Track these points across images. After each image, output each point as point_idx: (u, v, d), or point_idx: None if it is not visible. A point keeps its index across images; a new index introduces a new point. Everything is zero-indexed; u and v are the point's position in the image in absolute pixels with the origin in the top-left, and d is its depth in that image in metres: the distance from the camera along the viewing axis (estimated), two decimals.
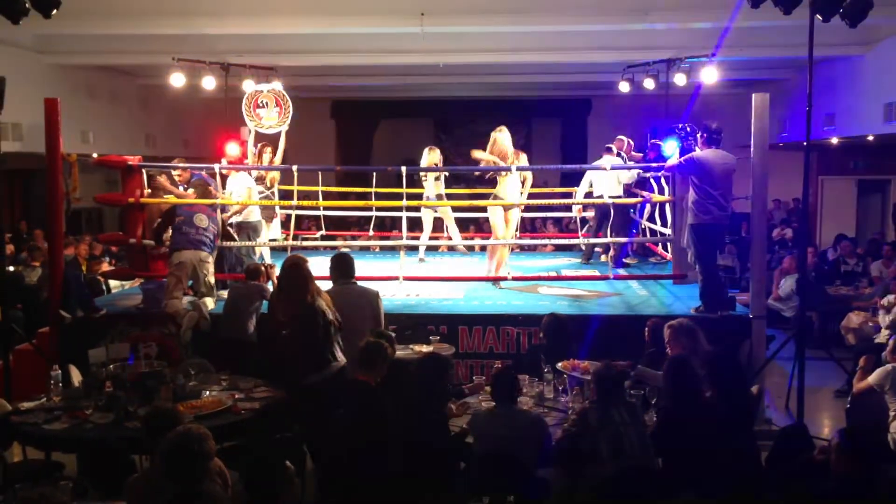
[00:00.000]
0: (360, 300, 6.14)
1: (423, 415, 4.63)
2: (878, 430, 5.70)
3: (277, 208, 9.36)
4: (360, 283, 6.34)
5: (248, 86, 11.00)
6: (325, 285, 6.08)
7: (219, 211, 7.83)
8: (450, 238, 10.52)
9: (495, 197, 8.56)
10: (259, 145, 9.40)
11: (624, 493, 4.13)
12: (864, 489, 3.70)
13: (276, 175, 9.34)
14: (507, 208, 8.57)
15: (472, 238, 12.04)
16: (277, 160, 9.35)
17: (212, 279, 7.44)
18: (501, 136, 8.55)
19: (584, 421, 4.43)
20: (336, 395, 5.06)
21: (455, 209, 10.40)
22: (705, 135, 7.23)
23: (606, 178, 9.67)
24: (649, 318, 6.69)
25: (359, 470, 4.51)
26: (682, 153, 7.69)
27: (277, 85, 10.07)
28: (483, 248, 11.94)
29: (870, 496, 3.70)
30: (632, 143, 10.90)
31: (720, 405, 4.56)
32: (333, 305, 5.80)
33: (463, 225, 12.88)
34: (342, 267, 6.19)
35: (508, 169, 8.37)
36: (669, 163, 7.72)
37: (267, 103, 9.49)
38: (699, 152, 7.24)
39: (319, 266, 9.46)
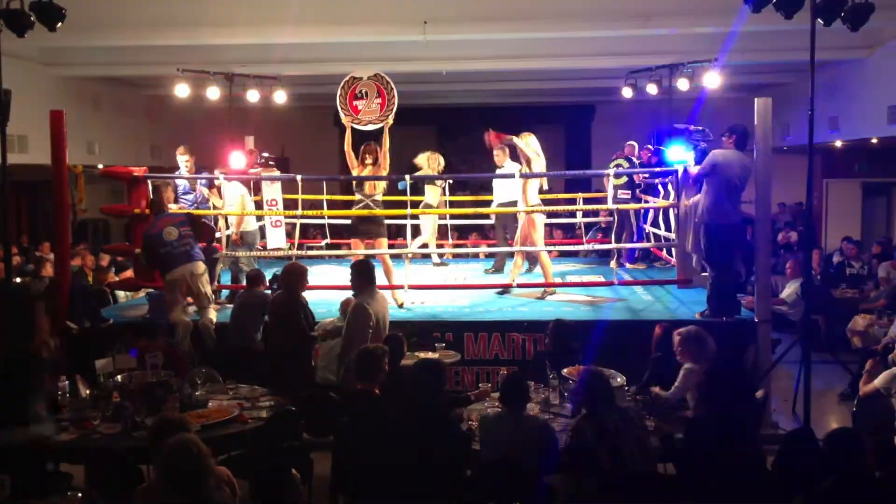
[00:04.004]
0: (386, 303, 6.40)
1: (427, 422, 4.62)
2: (878, 432, 5.69)
3: (282, 218, 9.33)
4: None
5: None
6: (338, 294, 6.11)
7: (227, 221, 7.80)
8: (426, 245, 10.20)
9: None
10: (363, 146, 8.14)
11: (628, 500, 4.13)
12: (858, 491, 3.71)
13: (377, 181, 8.13)
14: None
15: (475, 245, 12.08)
16: (384, 163, 8.10)
17: (208, 289, 7.33)
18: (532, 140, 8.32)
19: (581, 435, 4.39)
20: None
21: (461, 216, 10.37)
22: (734, 136, 7.20)
23: (512, 185, 9.29)
24: (655, 323, 6.70)
25: (367, 479, 4.53)
26: (697, 155, 7.66)
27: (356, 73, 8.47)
28: (476, 256, 11.99)
29: (864, 498, 3.70)
30: (649, 147, 10.91)
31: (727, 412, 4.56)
32: (374, 312, 5.96)
33: (465, 232, 12.95)
34: (370, 274, 6.29)
35: (512, 176, 8.38)
36: (694, 169, 7.60)
37: (366, 93, 8.23)
38: (721, 153, 7.21)
39: (325, 275, 9.55)
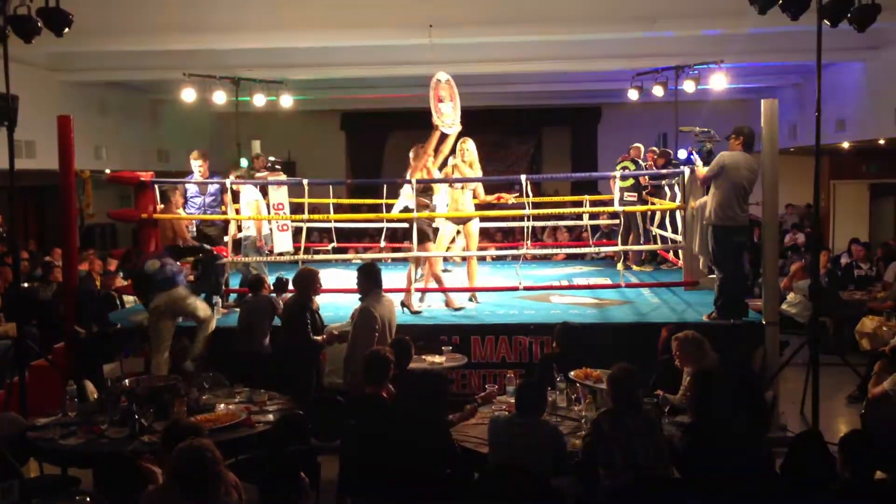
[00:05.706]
0: (392, 307, 6.37)
1: (430, 428, 4.61)
2: (887, 434, 5.65)
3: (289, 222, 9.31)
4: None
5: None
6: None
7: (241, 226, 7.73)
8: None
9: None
10: (415, 147, 8.22)
11: (635, 501, 4.12)
12: (864, 493, 3.69)
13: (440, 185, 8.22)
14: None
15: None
16: (434, 167, 8.17)
17: (200, 311, 7.05)
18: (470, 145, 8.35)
19: (598, 428, 4.42)
20: None
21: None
22: (741, 138, 7.21)
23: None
24: (661, 326, 6.68)
25: (374, 482, 4.52)
26: (701, 157, 7.66)
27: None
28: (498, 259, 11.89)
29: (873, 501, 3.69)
30: (654, 150, 10.88)
31: (725, 415, 4.56)
32: (379, 315, 5.95)
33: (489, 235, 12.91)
34: (377, 277, 6.28)
35: (518, 180, 8.37)
36: (701, 171, 7.60)
37: (445, 97, 8.15)
38: (728, 155, 7.21)
39: (331, 278, 9.55)
